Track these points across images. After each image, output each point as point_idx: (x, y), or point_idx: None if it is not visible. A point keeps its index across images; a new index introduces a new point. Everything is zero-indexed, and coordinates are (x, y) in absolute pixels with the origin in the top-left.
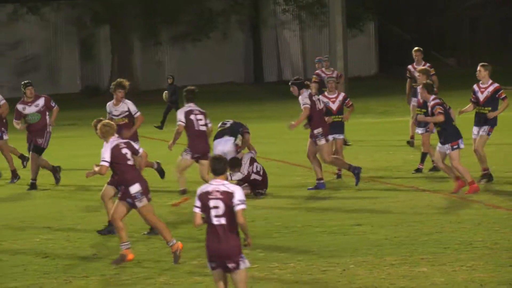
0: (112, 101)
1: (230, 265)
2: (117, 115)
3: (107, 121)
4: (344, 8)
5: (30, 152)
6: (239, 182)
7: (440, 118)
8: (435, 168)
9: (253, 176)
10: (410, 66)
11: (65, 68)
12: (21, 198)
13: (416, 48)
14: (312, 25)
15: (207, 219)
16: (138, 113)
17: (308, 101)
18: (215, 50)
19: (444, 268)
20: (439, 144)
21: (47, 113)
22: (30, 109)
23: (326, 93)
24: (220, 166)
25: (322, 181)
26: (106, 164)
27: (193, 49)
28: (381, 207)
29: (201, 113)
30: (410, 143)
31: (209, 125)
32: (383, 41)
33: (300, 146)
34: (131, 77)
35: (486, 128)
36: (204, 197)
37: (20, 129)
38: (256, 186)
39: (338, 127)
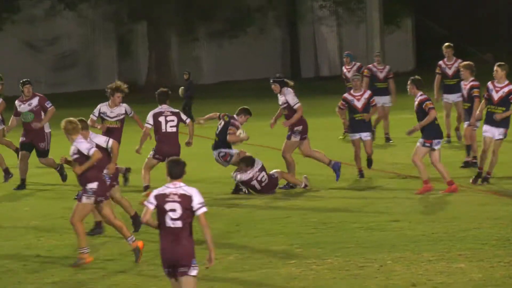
0: (106, 103)
1: (181, 269)
2: (113, 117)
3: (72, 118)
4: (381, 4)
5: (20, 152)
6: (241, 183)
7: (433, 114)
8: (467, 164)
9: (254, 183)
10: (441, 62)
11: (103, 65)
12: (60, 195)
13: (446, 44)
14: (349, 21)
15: (160, 222)
16: (133, 113)
17: (297, 100)
18: (252, 46)
19: (481, 264)
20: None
21: (42, 113)
22: (23, 107)
23: (351, 91)
24: (178, 169)
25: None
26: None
27: (230, 45)
28: (419, 203)
29: (173, 114)
30: (449, 141)
31: (187, 121)
32: (421, 37)
33: (336, 142)
34: (168, 73)
35: (502, 130)
36: (161, 199)
37: (11, 126)
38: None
39: (364, 126)
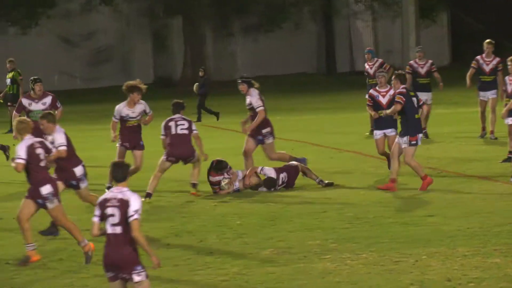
0: (123, 104)
1: (123, 275)
2: (135, 117)
3: (23, 118)
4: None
5: None
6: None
7: (397, 107)
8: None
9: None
10: (479, 57)
11: (138, 59)
12: (97, 190)
13: (488, 40)
14: (384, 15)
15: (105, 227)
16: (151, 112)
17: (261, 103)
18: (287, 41)
19: None
20: (398, 136)
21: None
22: (36, 106)
23: (377, 87)
24: (120, 173)
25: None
26: (22, 161)
27: (265, 39)
28: (454, 198)
29: (185, 119)
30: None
31: (194, 132)
32: (456, 31)
33: (371, 137)
34: (204, 68)
35: None
36: (103, 205)
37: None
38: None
39: (389, 122)
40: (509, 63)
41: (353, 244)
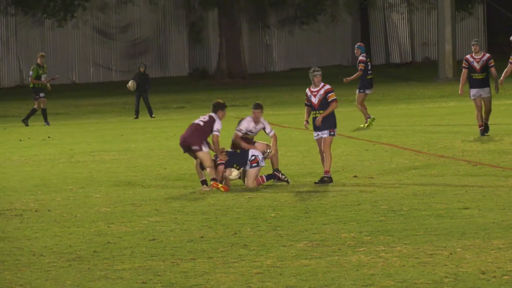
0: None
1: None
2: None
3: None
4: None
5: None
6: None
7: None
8: None
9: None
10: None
11: (174, 51)
12: (131, 182)
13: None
14: (420, 7)
15: None
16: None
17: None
18: (322, 33)
19: None
20: None
21: None
22: None
23: (311, 87)
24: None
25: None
26: None
27: (300, 32)
28: (489, 190)
29: (210, 116)
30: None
31: (214, 132)
32: (492, 23)
33: (408, 130)
34: (239, 60)
35: None
36: None
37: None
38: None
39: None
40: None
41: (388, 237)
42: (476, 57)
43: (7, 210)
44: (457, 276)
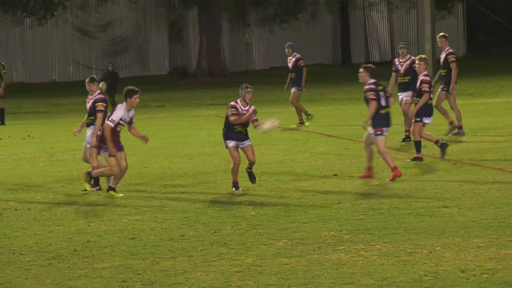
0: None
1: None
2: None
3: None
4: None
5: None
6: None
7: (372, 106)
8: None
9: None
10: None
11: (154, 50)
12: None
13: (441, 34)
14: (400, 6)
15: None
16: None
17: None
18: (303, 32)
19: None
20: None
21: None
22: None
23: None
24: None
25: None
26: None
27: (281, 31)
28: (468, 189)
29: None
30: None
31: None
32: (472, 22)
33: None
34: (219, 59)
35: None
36: None
37: None
38: None
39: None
40: (417, 61)
41: (367, 235)
42: (402, 61)
43: None
44: (437, 274)
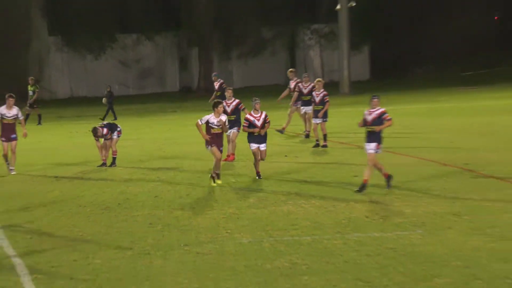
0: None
1: None
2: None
3: None
4: (348, 36)
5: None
6: None
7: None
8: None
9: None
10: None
11: (169, 75)
12: (142, 160)
13: (290, 69)
14: (327, 47)
15: None
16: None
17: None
18: (267, 63)
19: None
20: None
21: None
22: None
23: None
24: None
25: None
26: None
27: (252, 62)
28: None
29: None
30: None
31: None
32: (374, 57)
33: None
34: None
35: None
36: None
37: None
38: None
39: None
40: (316, 82)
41: (306, 195)
42: (305, 85)
43: (66, 176)
44: (350, 218)
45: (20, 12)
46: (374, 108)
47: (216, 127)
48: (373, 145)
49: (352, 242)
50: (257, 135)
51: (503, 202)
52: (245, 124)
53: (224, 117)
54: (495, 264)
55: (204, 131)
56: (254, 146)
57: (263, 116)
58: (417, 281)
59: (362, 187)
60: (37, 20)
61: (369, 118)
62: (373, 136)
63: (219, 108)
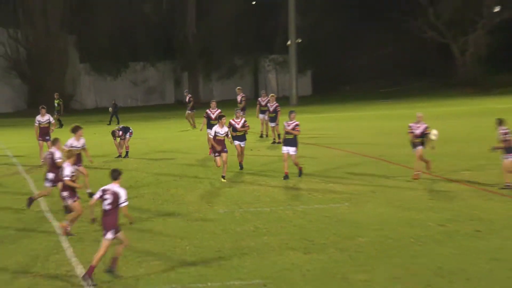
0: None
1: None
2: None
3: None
4: (296, 63)
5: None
6: None
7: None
8: None
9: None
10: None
11: (167, 92)
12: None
13: (238, 87)
14: (281, 72)
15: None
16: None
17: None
18: (238, 84)
19: None
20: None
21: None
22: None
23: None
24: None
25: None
26: None
27: (227, 82)
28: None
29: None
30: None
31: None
32: (315, 79)
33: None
34: (198, 96)
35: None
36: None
37: None
38: None
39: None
40: (270, 96)
41: (267, 178)
42: (263, 99)
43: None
44: (297, 195)
45: (59, 46)
46: (292, 120)
47: (220, 135)
48: (292, 149)
49: (299, 212)
50: (238, 135)
51: (407, 183)
52: (228, 126)
53: (226, 128)
54: (402, 228)
55: (212, 141)
56: (236, 143)
57: (242, 121)
58: (345, 240)
59: (285, 177)
60: (72, 52)
61: (288, 128)
62: (291, 141)
63: (222, 120)
